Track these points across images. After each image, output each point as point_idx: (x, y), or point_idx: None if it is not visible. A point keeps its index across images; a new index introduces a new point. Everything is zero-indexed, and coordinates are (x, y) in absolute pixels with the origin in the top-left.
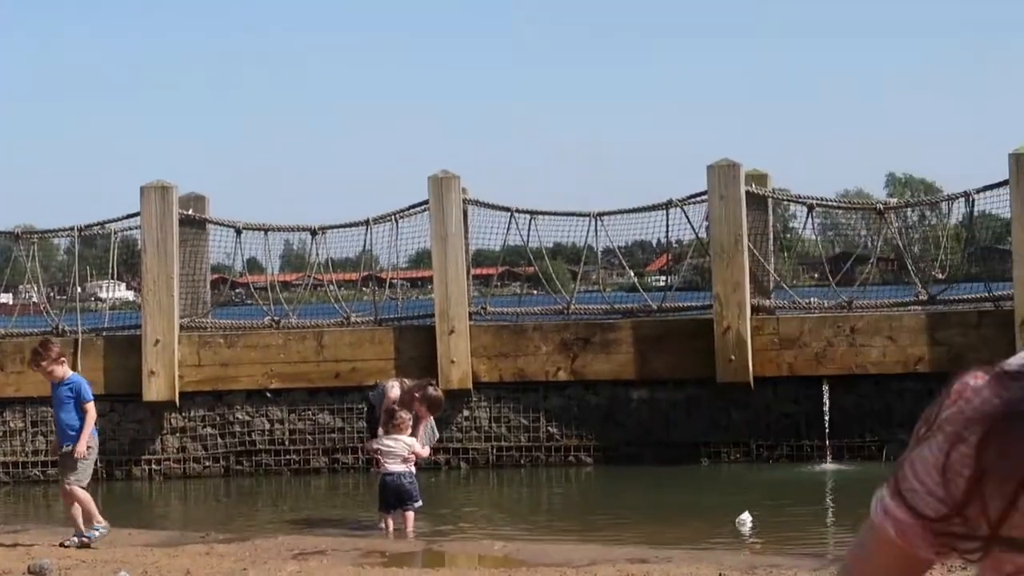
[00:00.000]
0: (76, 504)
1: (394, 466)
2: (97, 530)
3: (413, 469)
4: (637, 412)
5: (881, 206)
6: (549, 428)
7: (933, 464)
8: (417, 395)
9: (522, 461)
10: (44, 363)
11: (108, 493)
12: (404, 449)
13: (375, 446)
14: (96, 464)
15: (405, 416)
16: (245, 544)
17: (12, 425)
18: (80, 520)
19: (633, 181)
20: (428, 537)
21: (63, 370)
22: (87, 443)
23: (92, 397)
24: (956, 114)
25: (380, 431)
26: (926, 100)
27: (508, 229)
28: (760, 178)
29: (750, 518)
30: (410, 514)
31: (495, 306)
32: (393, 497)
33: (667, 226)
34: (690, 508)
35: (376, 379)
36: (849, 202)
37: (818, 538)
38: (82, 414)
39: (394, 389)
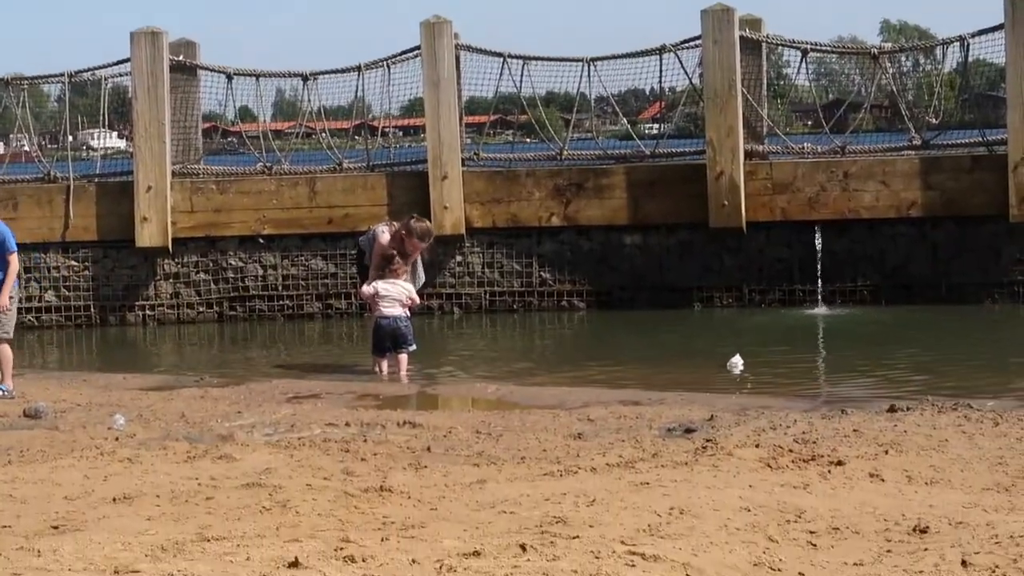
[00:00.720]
0: None
1: (390, 310)
2: (3, 390)
3: (408, 313)
4: (630, 257)
5: (876, 50)
6: (542, 273)
7: None
8: (404, 232)
9: (515, 306)
10: None
11: (102, 338)
12: (401, 294)
13: (372, 290)
14: (91, 310)
15: (401, 262)
16: (239, 388)
17: None
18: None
19: (626, 28)
20: (421, 380)
21: None
22: (8, 294)
23: (16, 248)
24: None
25: (374, 275)
26: None
27: (500, 76)
28: (754, 23)
29: (741, 361)
30: (404, 357)
31: (488, 152)
32: (388, 340)
33: (660, 72)
34: (682, 352)
35: (369, 225)
36: (844, 47)
37: (809, 381)
38: (5, 264)
39: (384, 233)
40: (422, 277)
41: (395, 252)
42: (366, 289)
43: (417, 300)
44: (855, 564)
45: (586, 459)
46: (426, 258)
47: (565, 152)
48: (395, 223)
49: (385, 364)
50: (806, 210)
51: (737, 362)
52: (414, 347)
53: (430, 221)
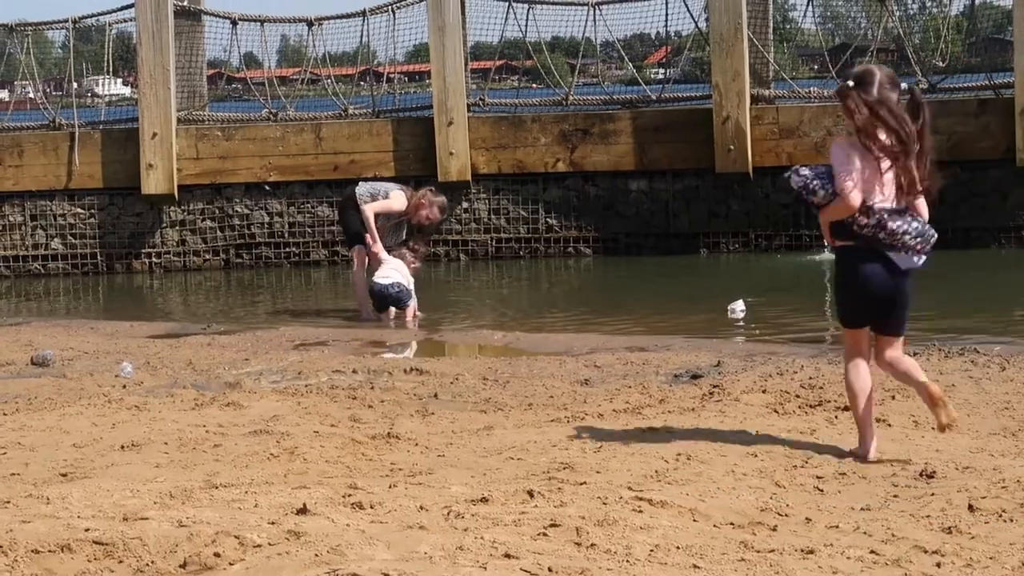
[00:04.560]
0: None
1: (383, 277)
2: None
3: (405, 281)
4: (636, 203)
5: None
6: (548, 219)
7: None
8: (424, 202)
9: (521, 252)
10: None
11: (108, 286)
12: (399, 271)
13: (380, 256)
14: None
15: (405, 253)
16: (246, 335)
17: (11, 219)
18: None
19: None
20: (428, 327)
21: None
22: None
23: None
24: None
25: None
26: None
27: (506, 21)
28: None
29: (742, 305)
30: (410, 307)
31: (493, 98)
32: (383, 303)
33: (667, 17)
34: (689, 298)
35: (375, 172)
36: None
37: (816, 326)
38: None
39: (401, 200)
40: (403, 236)
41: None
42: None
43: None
44: (862, 509)
45: (593, 405)
46: (428, 234)
47: (571, 98)
48: (410, 190)
49: (390, 312)
50: (813, 155)
51: (738, 307)
52: (414, 301)
53: (436, 167)
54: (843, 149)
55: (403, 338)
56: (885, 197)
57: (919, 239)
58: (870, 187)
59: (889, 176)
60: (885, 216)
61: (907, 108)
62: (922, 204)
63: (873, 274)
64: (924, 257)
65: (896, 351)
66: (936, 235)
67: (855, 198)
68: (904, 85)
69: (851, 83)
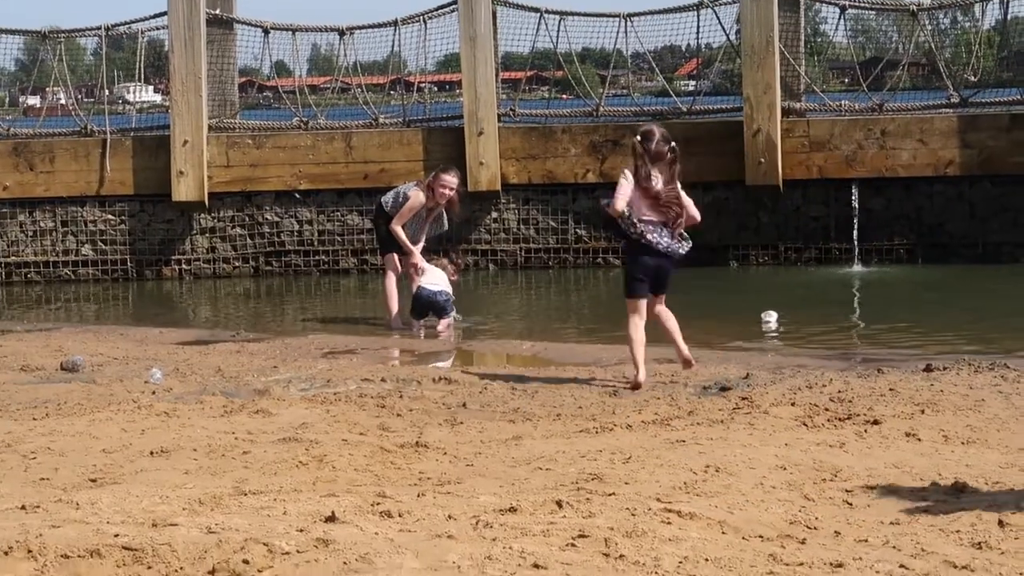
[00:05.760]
0: None
1: (430, 284)
2: None
3: (450, 290)
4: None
5: (914, 7)
6: (577, 230)
7: None
8: (432, 178)
9: (550, 263)
10: None
11: (138, 292)
12: (443, 280)
13: (421, 264)
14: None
15: (445, 263)
16: (275, 343)
17: (42, 225)
18: None
19: None
20: (456, 337)
21: None
22: None
23: None
24: None
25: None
26: None
27: (537, 31)
28: None
29: (775, 316)
30: (447, 319)
31: (524, 109)
32: (426, 308)
33: (698, 29)
34: (718, 310)
35: (405, 181)
36: (882, 4)
37: (845, 339)
38: None
39: (419, 194)
40: (445, 225)
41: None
42: (415, 262)
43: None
44: (891, 523)
45: (622, 416)
46: (456, 213)
47: (601, 109)
48: (424, 182)
49: (421, 322)
50: (843, 168)
51: (772, 317)
52: (454, 313)
53: (466, 177)
54: (623, 177)
55: (432, 347)
56: (646, 212)
57: (665, 247)
58: (636, 203)
59: (645, 195)
60: (642, 225)
61: (671, 158)
62: (690, 207)
63: (645, 258)
64: (681, 246)
65: (662, 305)
66: (684, 244)
67: (617, 207)
68: (672, 143)
69: (639, 137)
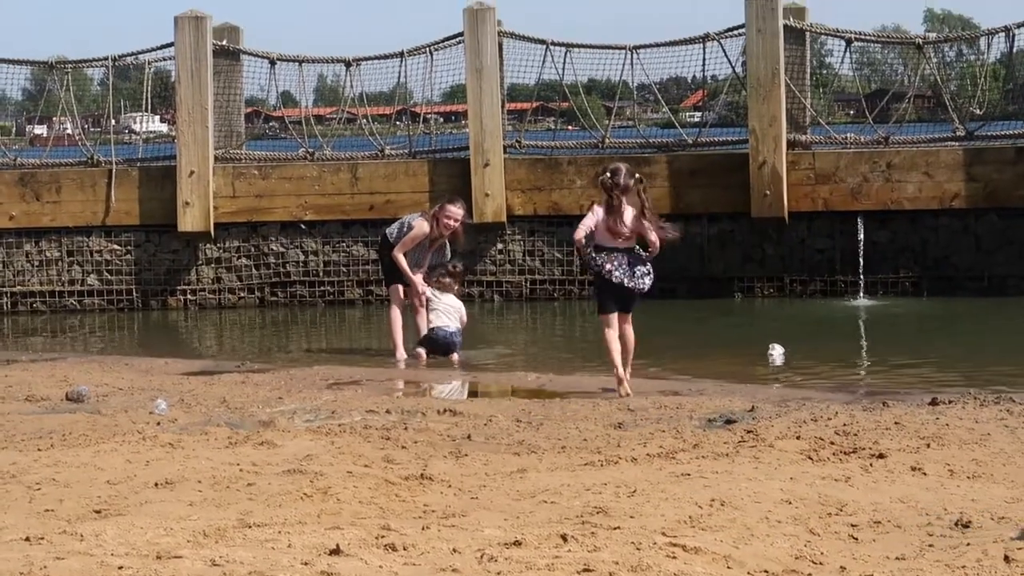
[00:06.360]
0: None
1: (447, 324)
2: None
3: (460, 328)
4: (671, 246)
5: (919, 40)
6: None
7: None
8: (437, 208)
9: (555, 294)
10: None
11: (144, 323)
12: (455, 312)
13: (428, 294)
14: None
15: (450, 282)
16: (280, 374)
17: (48, 255)
18: None
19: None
20: (461, 368)
21: None
22: None
23: None
24: None
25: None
26: None
27: (543, 63)
28: (798, 12)
29: (781, 349)
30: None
31: (529, 140)
32: (442, 350)
33: (704, 61)
34: (723, 342)
35: (410, 212)
36: (887, 37)
37: (851, 372)
38: None
39: (424, 225)
40: (448, 255)
41: (453, 268)
42: (423, 290)
43: (465, 319)
44: (897, 558)
45: (627, 449)
46: (461, 244)
47: (607, 140)
48: (429, 213)
49: (425, 353)
50: (848, 201)
51: (776, 351)
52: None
53: (472, 208)
54: (593, 208)
55: (437, 378)
56: (610, 239)
57: (627, 284)
58: (601, 232)
59: (611, 226)
60: (604, 256)
61: (637, 188)
62: (664, 231)
63: (609, 285)
64: (643, 283)
65: (628, 324)
66: (646, 281)
67: (575, 235)
68: (637, 175)
69: (608, 174)
